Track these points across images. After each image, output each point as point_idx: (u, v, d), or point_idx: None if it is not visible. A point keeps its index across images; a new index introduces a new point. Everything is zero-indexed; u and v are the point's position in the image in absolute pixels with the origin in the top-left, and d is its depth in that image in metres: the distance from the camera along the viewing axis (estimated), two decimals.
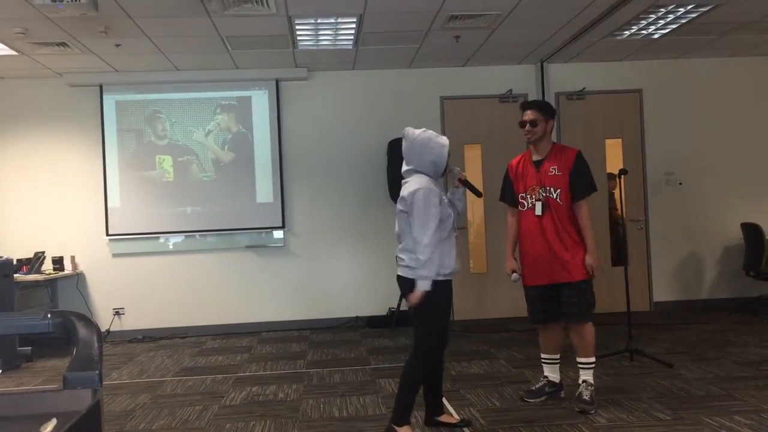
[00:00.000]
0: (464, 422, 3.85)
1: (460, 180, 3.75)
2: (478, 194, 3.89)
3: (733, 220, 7.56)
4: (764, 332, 6.15)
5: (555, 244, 4.03)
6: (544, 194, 4.08)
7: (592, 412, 3.93)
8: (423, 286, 3.47)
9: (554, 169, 4.09)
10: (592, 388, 4.07)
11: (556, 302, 4.11)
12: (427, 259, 3.44)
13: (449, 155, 3.61)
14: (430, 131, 3.62)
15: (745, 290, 7.59)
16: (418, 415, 3.91)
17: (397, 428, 3.57)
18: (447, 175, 3.76)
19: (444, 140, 3.59)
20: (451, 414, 3.98)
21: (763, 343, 5.67)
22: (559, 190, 4.06)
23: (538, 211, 4.07)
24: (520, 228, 4.20)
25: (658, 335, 6.22)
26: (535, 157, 4.19)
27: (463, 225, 7.49)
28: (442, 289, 3.55)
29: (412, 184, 3.55)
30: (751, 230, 7.10)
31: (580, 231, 4.08)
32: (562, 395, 4.29)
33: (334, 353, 6.15)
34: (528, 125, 4.14)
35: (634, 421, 3.77)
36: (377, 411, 4.24)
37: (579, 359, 4.13)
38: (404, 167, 3.66)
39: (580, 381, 4.11)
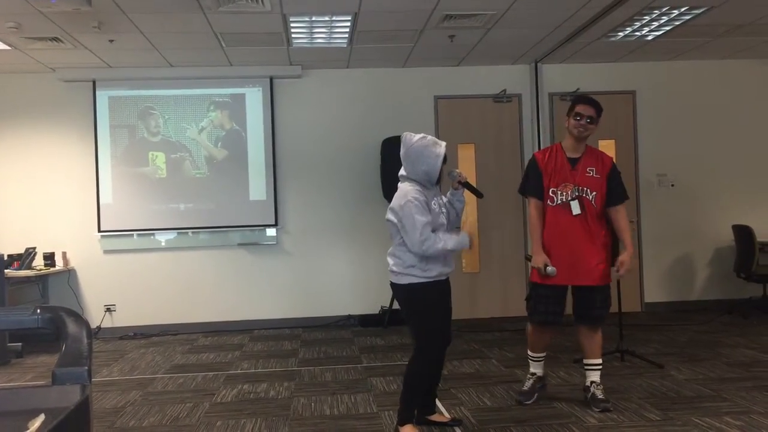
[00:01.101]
0: (455, 421, 3.86)
1: (459, 182, 3.75)
2: (479, 195, 3.86)
3: (725, 222, 7.60)
4: (754, 334, 6.18)
5: (585, 246, 3.98)
6: (576, 193, 4.01)
7: (611, 408, 3.97)
8: (467, 243, 3.57)
9: (592, 170, 4.03)
10: (602, 386, 4.09)
11: (565, 305, 4.09)
12: (445, 246, 3.48)
13: (445, 161, 3.60)
14: (429, 138, 3.58)
15: (735, 292, 7.62)
16: None
17: (400, 428, 3.60)
18: (447, 178, 3.75)
19: (439, 150, 3.54)
20: (443, 413, 3.98)
21: (754, 345, 5.70)
22: (595, 193, 4.01)
23: (576, 209, 3.97)
24: (546, 224, 4.07)
25: (649, 336, 6.25)
26: (570, 155, 4.09)
27: (456, 224, 7.49)
28: (430, 289, 3.56)
29: (400, 196, 3.56)
30: (742, 232, 7.13)
31: (606, 235, 4.07)
32: (546, 388, 4.33)
33: (325, 351, 6.14)
34: (586, 120, 4.04)
35: (624, 422, 3.78)
36: (368, 409, 4.24)
37: (589, 361, 4.12)
38: (401, 171, 3.67)
39: (587, 383, 4.11)
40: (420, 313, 3.59)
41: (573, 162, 4.08)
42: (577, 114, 4.07)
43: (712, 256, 7.82)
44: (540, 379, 4.27)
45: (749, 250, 6.99)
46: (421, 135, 3.60)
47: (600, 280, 4.00)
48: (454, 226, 3.82)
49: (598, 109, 4.10)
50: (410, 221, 3.46)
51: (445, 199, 3.75)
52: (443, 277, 3.62)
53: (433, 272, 3.54)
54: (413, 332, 3.65)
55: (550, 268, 3.95)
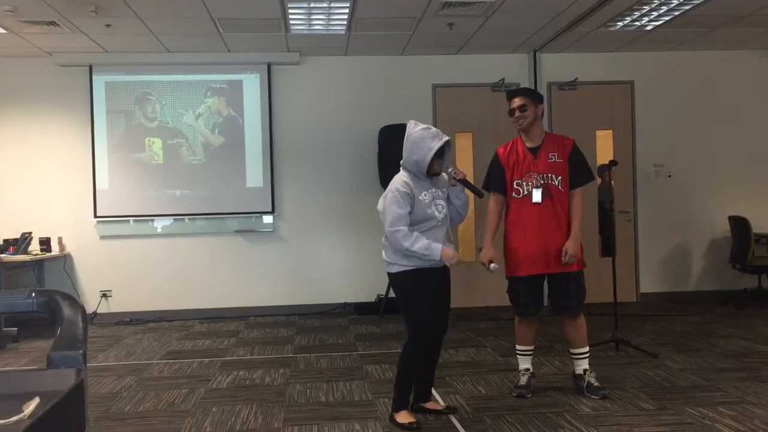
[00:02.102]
0: (450, 409, 3.87)
1: (457, 180, 3.74)
2: (479, 195, 3.85)
3: (721, 213, 7.61)
4: (748, 324, 6.20)
5: (555, 233, 3.99)
6: (542, 181, 4.02)
7: (609, 395, 4.00)
8: (435, 256, 3.50)
9: (554, 156, 4.05)
10: (594, 373, 4.12)
11: (542, 293, 4.11)
12: (410, 246, 3.49)
13: (441, 155, 3.60)
14: (433, 130, 3.58)
15: (730, 283, 7.65)
16: None
17: (395, 415, 3.63)
18: (445, 173, 3.75)
19: (434, 144, 3.53)
20: (438, 401, 4.00)
21: (748, 335, 5.72)
22: (560, 178, 4.03)
23: (537, 198, 3.99)
24: (513, 216, 4.10)
25: (643, 326, 6.27)
26: (530, 144, 4.11)
27: (457, 221, 7.49)
28: (417, 277, 3.58)
29: (389, 185, 3.63)
30: (738, 223, 7.14)
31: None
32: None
33: (321, 339, 6.15)
34: (517, 111, 4.08)
35: (618, 411, 3.80)
36: (364, 396, 4.25)
37: (576, 350, 4.13)
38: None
39: (580, 371, 4.12)
40: (406, 301, 3.64)
41: (534, 151, 4.10)
42: (510, 111, 4.14)
43: (707, 247, 7.84)
44: (533, 374, 4.28)
45: (745, 242, 7.01)
46: (426, 126, 3.62)
47: (574, 266, 4.01)
48: (455, 222, 3.89)
49: (528, 94, 4.15)
50: (386, 210, 3.56)
51: (445, 193, 3.77)
52: (436, 266, 3.62)
53: (415, 260, 3.56)
54: (404, 319, 3.70)
55: (493, 265, 3.96)
